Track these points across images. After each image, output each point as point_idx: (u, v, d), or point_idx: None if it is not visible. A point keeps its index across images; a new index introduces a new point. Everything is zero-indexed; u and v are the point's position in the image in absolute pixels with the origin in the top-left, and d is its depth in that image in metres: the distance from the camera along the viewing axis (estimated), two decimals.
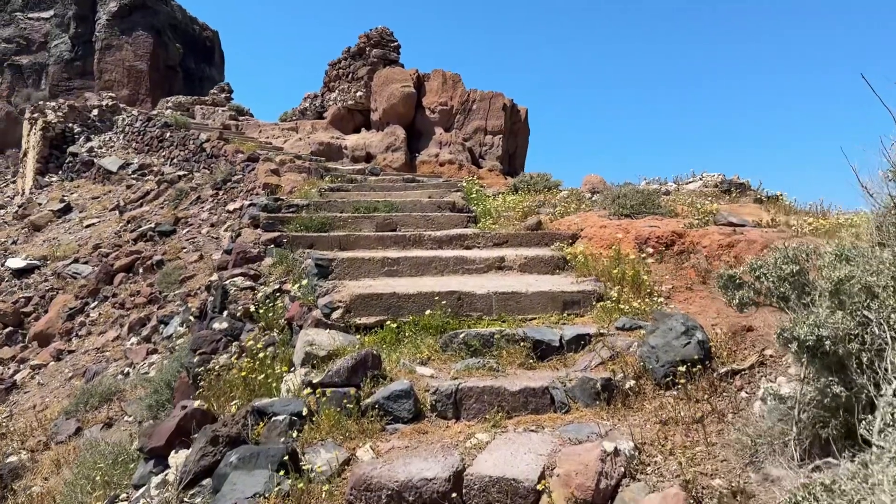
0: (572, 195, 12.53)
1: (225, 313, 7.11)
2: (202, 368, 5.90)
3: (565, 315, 5.38)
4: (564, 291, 5.48)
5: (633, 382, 3.85)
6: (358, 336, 4.97)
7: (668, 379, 3.81)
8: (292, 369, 4.63)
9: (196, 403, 4.34)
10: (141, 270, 13.32)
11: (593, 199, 11.48)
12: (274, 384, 4.47)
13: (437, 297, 5.28)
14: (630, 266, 5.88)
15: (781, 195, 9.73)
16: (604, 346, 4.49)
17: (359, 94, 20.30)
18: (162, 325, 9.88)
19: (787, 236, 6.09)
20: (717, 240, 6.48)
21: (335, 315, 5.24)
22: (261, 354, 4.87)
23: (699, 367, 3.74)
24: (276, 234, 8.18)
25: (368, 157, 19.06)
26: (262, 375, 4.55)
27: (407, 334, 5.03)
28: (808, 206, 9.27)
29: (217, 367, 5.19)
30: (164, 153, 20.26)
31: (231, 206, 14.53)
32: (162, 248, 14.13)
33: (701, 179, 10.73)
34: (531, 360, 4.54)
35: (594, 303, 5.48)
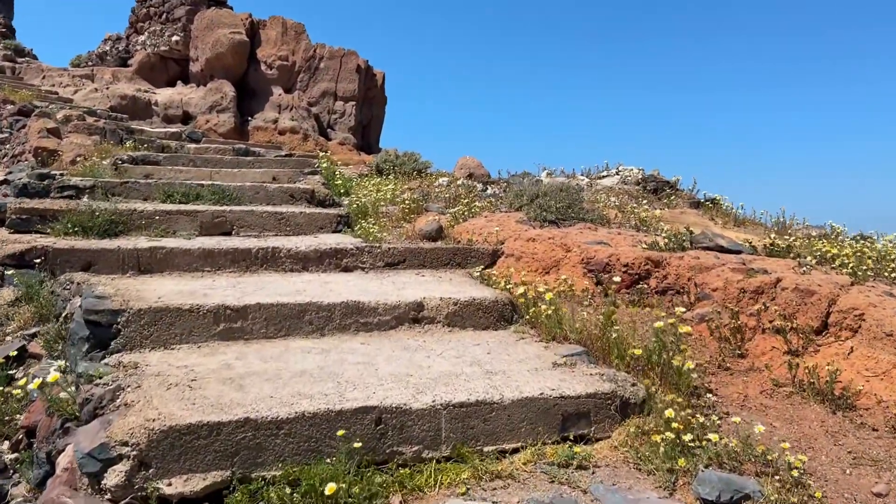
0: (454, 184, 10.16)
1: None
2: None
3: (569, 445, 2.92)
4: (564, 396, 3.01)
5: None
6: None
7: None
8: None
9: None
10: None
11: (487, 191, 9.18)
12: None
13: (339, 422, 2.61)
14: (655, 336, 3.54)
15: (720, 199, 7.99)
16: None
17: (175, 38, 16.37)
18: None
19: (845, 282, 4.08)
20: (734, 281, 4.36)
21: (114, 479, 2.38)
22: None
23: None
24: (32, 241, 4.93)
25: (186, 118, 15.35)
26: None
27: None
28: (758, 214, 7.61)
29: None
30: None
31: None
32: None
33: (618, 174, 8.77)
34: None
35: (615, 413, 3.08)
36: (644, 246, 5.41)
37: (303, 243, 5.38)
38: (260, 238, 5.97)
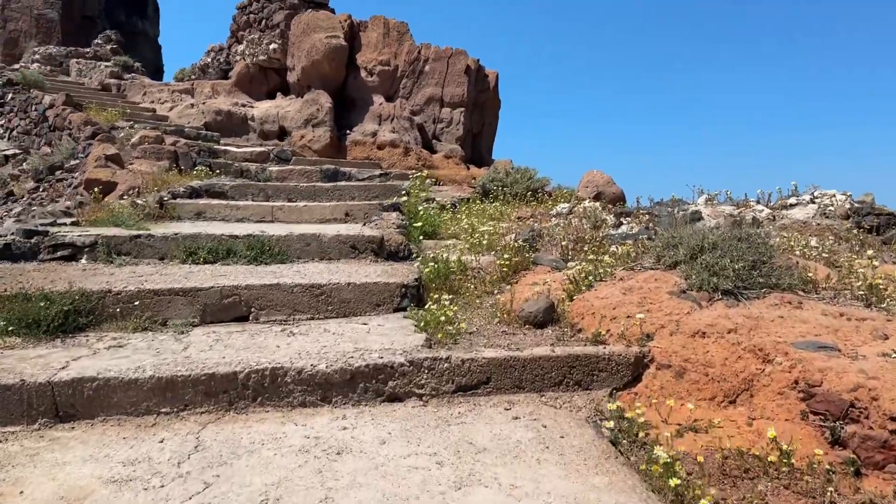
0: (578, 209, 7.91)
1: None
2: None
3: None
4: None
5: None
6: None
7: None
8: None
9: None
10: None
11: (622, 228, 6.84)
12: None
13: None
14: None
15: None
16: None
17: (273, 46, 15.11)
18: None
19: None
20: None
21: None
22: None
23: None
24: None
25: (282, 133, 14.03)
26: None
27: None
28: None
29: None
30: (2, 122, 14.81)
31: None
32: None
33: (814, 202, 6.14)
34: None
35: None
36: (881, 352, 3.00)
37: (331, 351, 3.43)
38: (286, 325, 4.10)
